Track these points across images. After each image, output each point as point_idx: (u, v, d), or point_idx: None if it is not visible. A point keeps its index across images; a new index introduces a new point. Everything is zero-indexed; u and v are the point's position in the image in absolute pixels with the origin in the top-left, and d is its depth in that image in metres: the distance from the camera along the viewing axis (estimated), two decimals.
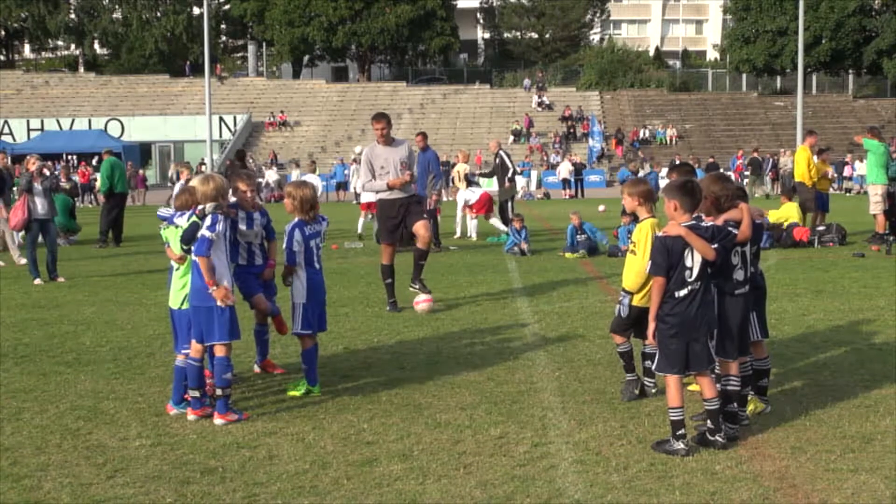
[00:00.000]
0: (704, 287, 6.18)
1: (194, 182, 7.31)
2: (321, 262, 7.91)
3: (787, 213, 19.47)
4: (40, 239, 15.45)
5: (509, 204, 21.53)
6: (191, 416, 7.02)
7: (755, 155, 39.46)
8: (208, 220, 6.94)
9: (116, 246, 21.59)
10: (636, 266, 7.17)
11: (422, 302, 11.57)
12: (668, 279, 6.14)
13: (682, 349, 6.15)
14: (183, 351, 7.23)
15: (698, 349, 6.16)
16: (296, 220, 7.79)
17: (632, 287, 7.25)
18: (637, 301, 7.25)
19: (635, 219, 7.58)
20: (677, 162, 20.78)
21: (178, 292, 7.24)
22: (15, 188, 20.79)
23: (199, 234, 6.93)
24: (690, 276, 6.13)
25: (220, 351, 6.99)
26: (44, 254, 15.42)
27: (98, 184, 23.45)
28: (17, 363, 9.07)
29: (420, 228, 11.81)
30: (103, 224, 22.26)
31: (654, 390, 7.47)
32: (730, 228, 6.34)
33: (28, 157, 16.14)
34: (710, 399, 6.20)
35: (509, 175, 21.45)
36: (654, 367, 6.42)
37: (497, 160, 21.61)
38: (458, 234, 22.24)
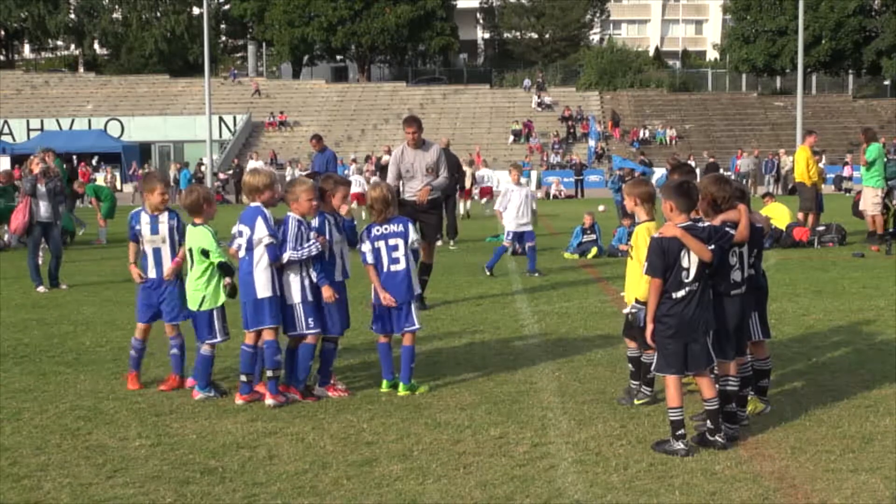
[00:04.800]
0: (702, 288, 6.17)
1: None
2: None
3: (769, 213, 19.46)
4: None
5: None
6: (238, 401, 7.35)
7: (711, 160, 40.31)
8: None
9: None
10: (638, 271, 7.03)
11: None
12: (665, 280, 6.13)
13: (681, 350, 6.14)
14: (209, 341, 7.67)
15: (696, 350, 6.16)
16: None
17: (645, 296, 6.77)
18: None
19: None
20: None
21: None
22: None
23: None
24: (687, 277, 6.12)
25: (268, 335, 7.45)
26: (45, 258, 15.34)
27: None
28: (17, 363, 9.07)
29: (425, 247, 12.17)
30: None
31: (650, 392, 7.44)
32: (727, 229, 6.32)
33: (31, 157, 15.69)
34: (710, 399, 6.19)
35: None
36: (652, 368, 6.42)
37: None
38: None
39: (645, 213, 7.14)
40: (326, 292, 7.51)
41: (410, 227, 7.86)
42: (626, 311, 7.22)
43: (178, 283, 7.99)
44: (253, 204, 7.56)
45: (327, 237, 7.61)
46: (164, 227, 7.99)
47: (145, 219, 8.05)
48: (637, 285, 6.93)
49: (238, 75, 74.56)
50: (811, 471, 5.72)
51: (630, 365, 7.41)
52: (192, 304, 7.70)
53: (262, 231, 7.35)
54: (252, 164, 41.13)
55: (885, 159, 19.14)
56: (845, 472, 5.69)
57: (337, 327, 7.70)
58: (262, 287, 7.40)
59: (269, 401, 7.34)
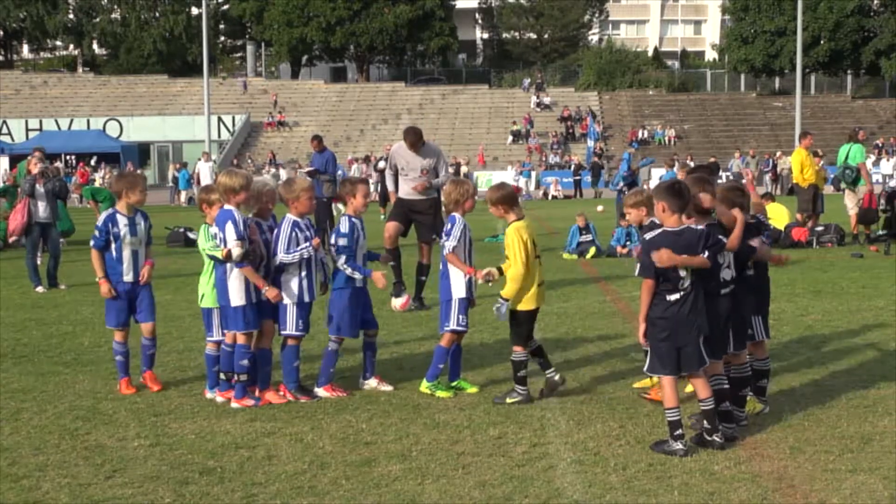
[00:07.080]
0: (696, 290, 6.16)
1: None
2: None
3: (768, 213, 19.53)
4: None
5: None
6: (234, 405, 7.32)
7: (712, 160, 40.73)
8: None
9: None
10: (510, 273, 7.21)
11: (397, 302, 11.84)
12: (659, 282, 6.13)
13: (674, 350, 6.14)
14: (208, 339, 7.73)
15: (689, 350, 6.16)
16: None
17: (507, 294, 7.21)
18: (515, 305, 7.26)
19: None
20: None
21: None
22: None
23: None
24: (682, 283, 6.12)
25: (240, 339, 7.37)
26: (44, 259, 15.32)
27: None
28: (16, 363, 9.07)
29: (422, 247, 12.19)
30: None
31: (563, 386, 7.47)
32: (720, 237, 6.30)
33: (29, 158, 15.68)
34: (705, 399, 6.20)
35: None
36: (645, 369, 6.40)
37: None
38: None
39: (514, 215, 7.34)
40: (377, 277, 7.62)
41: (453, 228, 7.64)
42: (494, 307, 7.32)
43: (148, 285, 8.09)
44: (226, 206, 7.33)
45: (361, 239, 7.71)
46: (141, 229, 7.94)
47: (122, 220, 7.85)
48: (509, 283, 7.18)
49: (244, 79, 73.86)
50: (810, 471, 5.72)
51: (518, 370, 7.37)
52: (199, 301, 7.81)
53: (231, 235, 7.18)
54: (201, 163, 40.91)
55: (839, 164, 19.41)
56: (844, 472, 5.69)
57: (346, 330, 7.73)
58: (236, 295, 7.31)
59: (234, 404, 7.35)
